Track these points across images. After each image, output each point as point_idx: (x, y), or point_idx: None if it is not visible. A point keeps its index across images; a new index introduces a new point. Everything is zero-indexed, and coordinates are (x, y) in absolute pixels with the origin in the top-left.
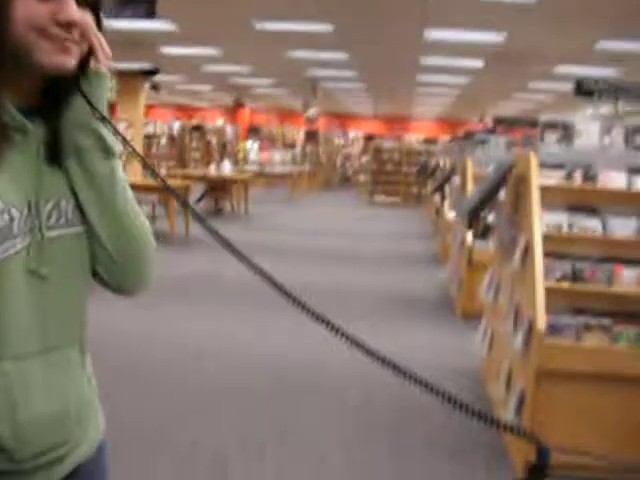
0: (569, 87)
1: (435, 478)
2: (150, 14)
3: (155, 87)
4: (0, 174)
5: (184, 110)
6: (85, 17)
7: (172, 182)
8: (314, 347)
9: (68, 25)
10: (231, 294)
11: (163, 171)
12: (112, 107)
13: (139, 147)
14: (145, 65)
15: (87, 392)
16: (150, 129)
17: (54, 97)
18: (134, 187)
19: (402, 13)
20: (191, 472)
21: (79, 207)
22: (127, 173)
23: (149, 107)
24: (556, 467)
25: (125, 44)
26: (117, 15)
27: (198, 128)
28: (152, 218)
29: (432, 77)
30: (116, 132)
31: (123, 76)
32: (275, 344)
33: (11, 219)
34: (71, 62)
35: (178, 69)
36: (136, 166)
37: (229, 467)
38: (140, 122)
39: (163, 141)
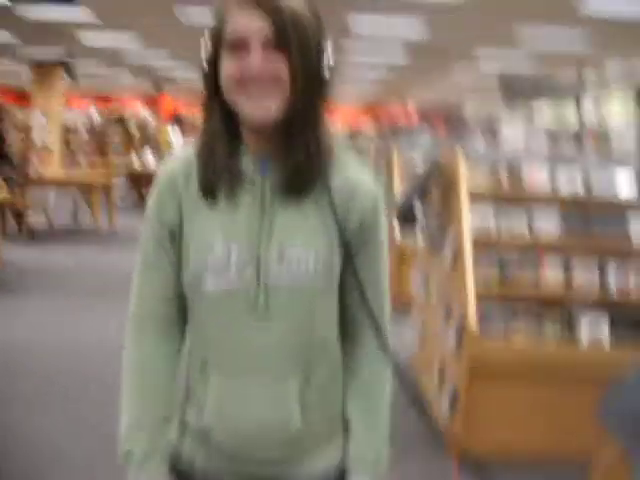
0: (491, 70)
1: None
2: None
3: (71, 74)
4: (228, 213)
5: (103, 99)
6: (272, 65)
7: (94, 177)
8: None
9: (255, 74)
10: None
11: (82, 163)
12: (26, 96)
13: (56, 138)
14: (61, 52)
15: (295, 422)
16: (68, 119)
17: (287, 148)
18: (53, 182)
19: None
20: None
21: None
22: (44, 165)
23: (66, 96)
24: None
25: (40, 31)
26: (35, 1)
27: (118, 117)
28: (74, 214)
29: (355, 59)
30: None
31: (38, 64)
32: None
33: (229, 257)
34: (265, 110)
35: (97, 56)
36: (54, 157)
37: None
38: (57, 112)
39: (82, 132)
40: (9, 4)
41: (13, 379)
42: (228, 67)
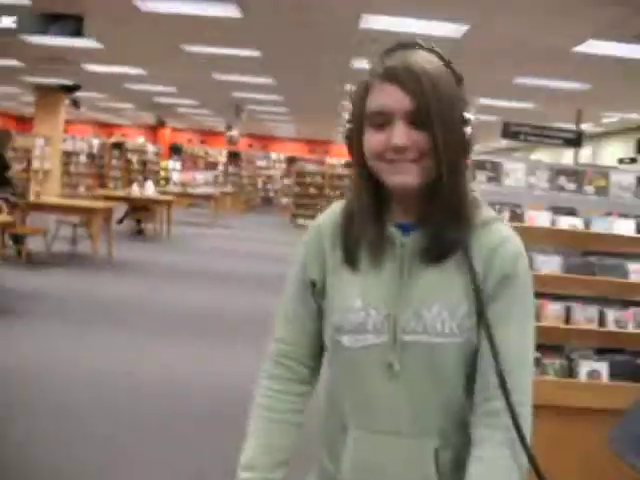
0: (491, 118)
1: None
2: (77, 32)
3: (75, 103)
4: (369, 278)
5: (104, 127)
6: (413, 140)
7: (94, 203)
8: (249, 375)
9: (398, 149)
10: (159, 320)
11: (82, 189)
12: (29, 121)
13: (57, 164)
14: (66, 81)
15: None
16: (69, 146)
17: (430, 214)
18: (53, 207)
19: (330, 43)
20: None
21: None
22: (45, 192)
23: (67, 122)
24: None
25: (47, 58)
26: (44, 32)
27: (119, 146)
28: (73, 239)
29: None
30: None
31: (42, 90)
32: (213, 373)
33: (367, 317)
34: (408, 181)
35: (100, 86)
36: (53, 184)
37: None
38: (58, 138)
39: (82, 158)
40: (15, 27)
41: (8, 403)
42: (371, 139)
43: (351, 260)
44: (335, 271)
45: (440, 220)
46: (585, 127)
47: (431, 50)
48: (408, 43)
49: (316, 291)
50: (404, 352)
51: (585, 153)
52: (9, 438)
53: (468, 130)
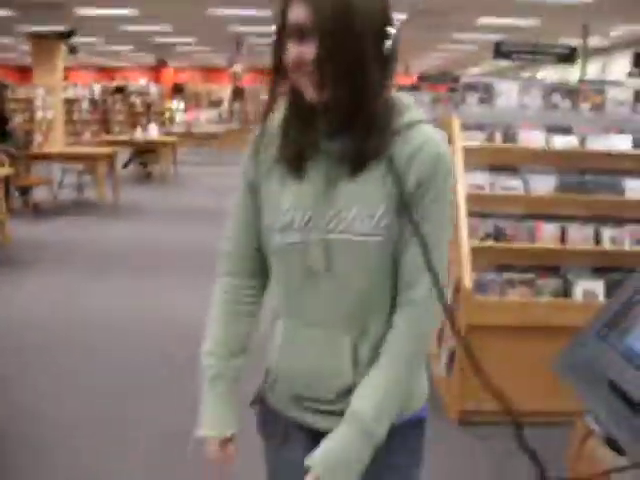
0: (492, 37)
1: None
2: None
3: (73, 49)
4: (297, 181)
5: (105, 71)
6: (301, 53)
7: (98, 149)
8: None
9: (296, 64)
10: (169, 261)
11: (87, 136)
12: (27, 72)
13: (59, 113)
14: (61, 27)
15: (346, 376)
16: (70, 93)
17: (347, 125)
18: (56, 157)
19: None
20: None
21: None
22: (50, 141)
23: (67, 70)
24: (487, 413)
25: (39, 6)
26: None
27: (121, 90)
28: (79, 187)
29: None
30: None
31: (38, 39)
32: None
33: (293, 217)
34: (308, 94)
35: (96, 30)
36: (58, 131)
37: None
38: (59, 87)
39: (85, 105)
40: None
41: (16, 352)
42: (287, 52)
43: (282, 163)
44: (268, 173)
45: (357, 130)
46: (592, 42)
47: None
48: None
49: (254, 190)
50: (327, 250)
51: (594, 68)
52: (23, 382)
53: (387, 44)
